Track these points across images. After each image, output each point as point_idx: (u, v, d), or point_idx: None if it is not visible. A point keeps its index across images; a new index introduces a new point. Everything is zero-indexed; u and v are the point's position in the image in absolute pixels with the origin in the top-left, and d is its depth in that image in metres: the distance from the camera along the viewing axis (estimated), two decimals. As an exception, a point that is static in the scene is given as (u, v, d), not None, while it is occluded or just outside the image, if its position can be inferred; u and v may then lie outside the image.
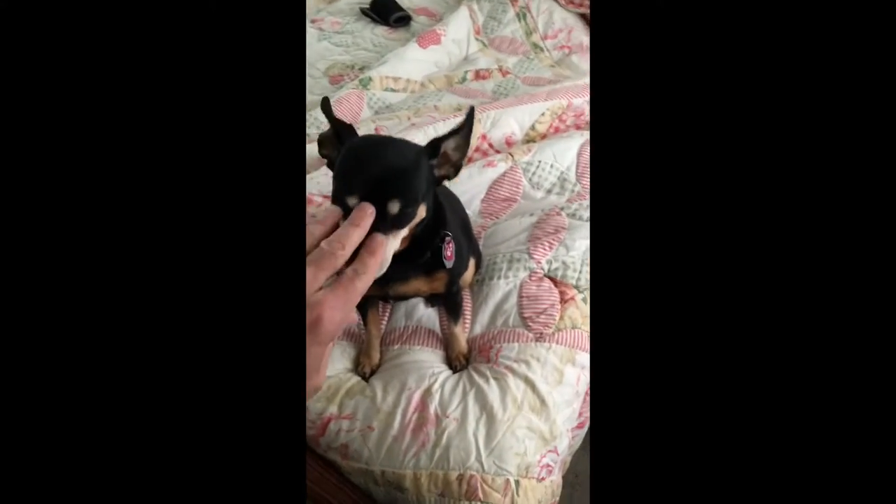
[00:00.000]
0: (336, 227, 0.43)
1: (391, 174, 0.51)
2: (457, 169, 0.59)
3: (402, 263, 0.60)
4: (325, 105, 0.57)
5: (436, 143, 0.56)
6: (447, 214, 0.67)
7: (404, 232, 0.52)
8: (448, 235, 0.66)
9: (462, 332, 0.80)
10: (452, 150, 0.57)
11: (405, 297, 0.80)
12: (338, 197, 0.49)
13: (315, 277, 0.38)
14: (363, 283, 0.40)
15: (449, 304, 0.77)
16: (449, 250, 0.67)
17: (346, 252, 0.40)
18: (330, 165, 0.56)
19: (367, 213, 0.44)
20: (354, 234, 0.42)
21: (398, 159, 0.53)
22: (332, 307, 0.37)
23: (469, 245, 0.81)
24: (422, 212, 0.55)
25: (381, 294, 0.71)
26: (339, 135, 0.55)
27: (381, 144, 0.56)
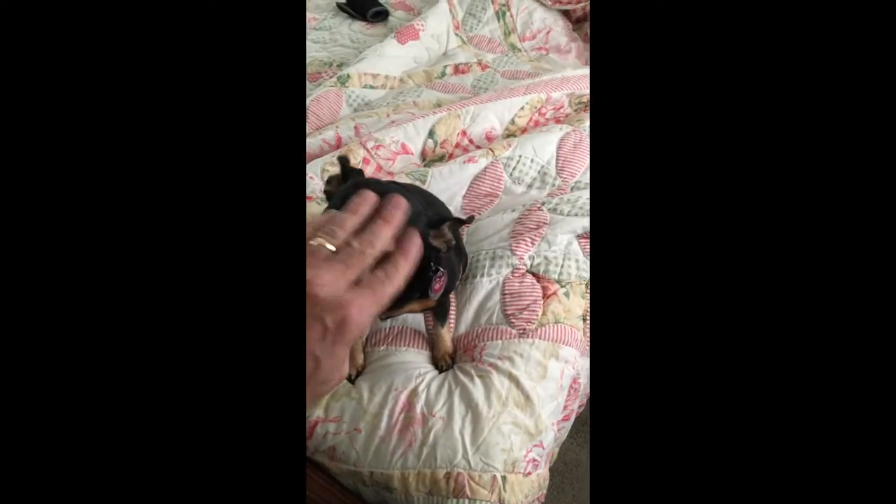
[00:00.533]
0: (369, 217, 0.43)
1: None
2: (447, 247, 0.59)
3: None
4: (343, 159, 0.58)
5: (440, 220, 0.56)
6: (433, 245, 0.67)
7: None
8: (440, 271, 0.66)
9: (448, 333, 0.80)
10: (448, 233, 0.58)
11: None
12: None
13: (343, 276, 0.37)
14: (393, 288, 0.39)
15: (436, 307, 0.78)
16: (439, 283, 0.67)
17: (375, 251, 0.40)
18: (328, 198, 0.59)
19: (401, 209, 0.44)
20: (386, 233, 0.42)
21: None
22: (360, 308, 0.36)
23: (460, 260, 0.82)
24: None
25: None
26: (346, 175, 0.58)
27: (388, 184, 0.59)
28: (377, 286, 0.38)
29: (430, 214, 0.56)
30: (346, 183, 0.57)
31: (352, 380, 0.78)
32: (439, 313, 0.78)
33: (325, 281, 0.37)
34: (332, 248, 0.41)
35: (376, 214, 0.43)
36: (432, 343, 0.81)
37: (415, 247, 0.43)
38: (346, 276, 0.38)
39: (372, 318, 0.38)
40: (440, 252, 0.59)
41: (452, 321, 0.83)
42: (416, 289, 0.65)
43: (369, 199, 0.46)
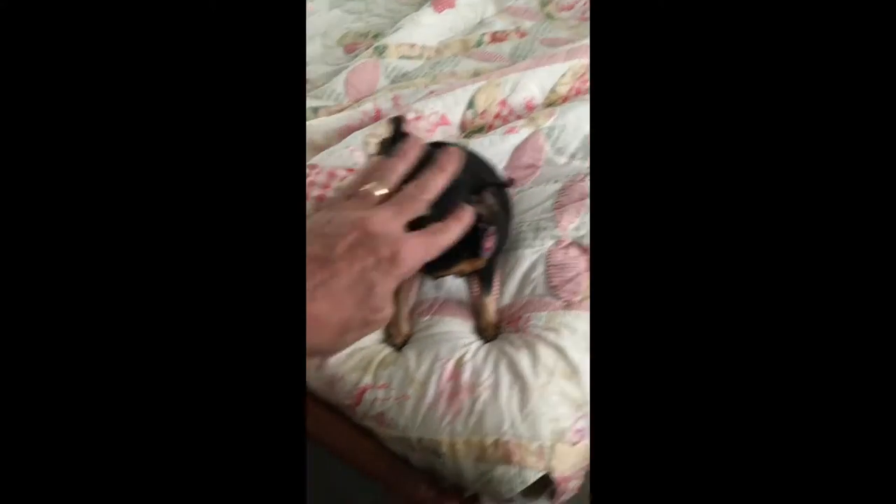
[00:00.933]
0: (418, 163, 0.44)
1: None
2: (490, 212, 0.61)
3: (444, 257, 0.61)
4: (398, 119, 0.59)
5: (480, 186, 0.58)
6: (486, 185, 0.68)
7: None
8: (490, 228, 0.65)
9: (492, 302, 0.80)
10: (489, 198, 0.59)
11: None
12: None
13: (395, 218, 0.39)
14: (445, 241, 0.41)
15: (483, 274, 0.78)
16: (489, 242, 0.67)
17: (428, 198, 0.41)
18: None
19: (454, 157, 0.45)
20: (439, 180, 0.43)
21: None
22: (413, 248, 0.38)
23: (509, 219, 0.82)
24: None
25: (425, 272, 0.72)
26: (396, 138, 0.59)
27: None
28: (430, 235, 0.40)
29: (469, 180, 0.56)
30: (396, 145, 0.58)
31: (398, 348, 0.80)
32: (485, 280, 0.78)
33: (379, 219, 0.38)
34: (385, 191, 0.42)
35: (431, 163, 0.44)
36: (477, 313, 0.81)
37: (467, 215, 0.43)
38: (400, 218, 0.40)
39: (421, 261, 0.39)
40: (492, 210, 0.59)
41: (497, 292, 0.83)
42: (466, 247, 0.64)
43: (417, 144, 0.46)
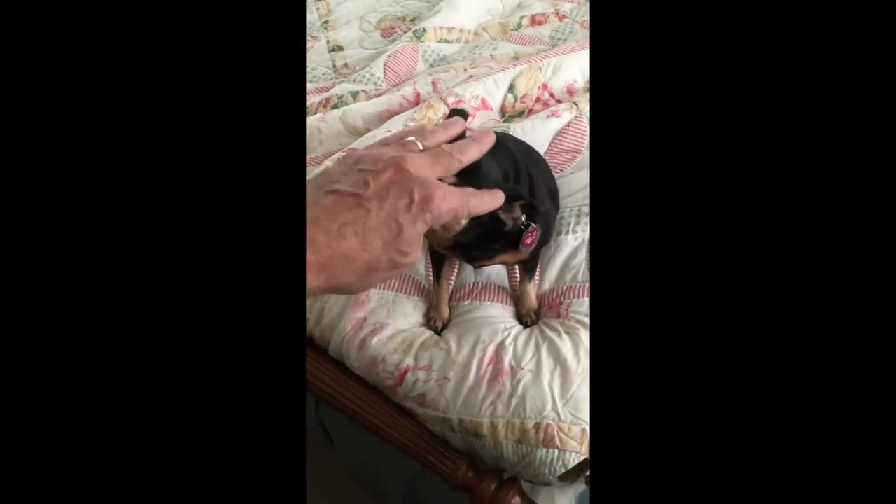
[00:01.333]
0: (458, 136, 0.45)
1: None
2: (514, 223, 0.60)
3: (485, 242, 0.61)
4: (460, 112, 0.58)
5: (514, 196, 0.55)
6: (534, 179, 0.68)
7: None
8: (532, 226, 0.65)
9: (533, 289, 0.80)
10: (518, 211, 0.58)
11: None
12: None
13: (432, 167, 0.40)
14: (475, 205, 0.42)
15: (527, 262, 0.78)
16: (530, 238, 0.66)
17: (463, 161, 0.42)
18: None
19: (489, 136, 0.46)
20: (474, 149, 0.44)
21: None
22: (444, 195, 0.39)
23: (556, 210, 0.82)
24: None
25: (463, 258, 0.73)
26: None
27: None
28: (464, 192, 0.41)
29: (503, 175, 0.56)
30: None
31: (438, 331, 0.80)
32: (529, 267, 0.78)
33: (416, 162, 0.39)
34: (422, 146, 0.43)
35: (469, 137, 0.45)
36: (517, 298, 0.81)
37: (500, 197, 0.44)
38: (435, 168, 0.40)
39: (452, 211, 0.40)
40: (537, 210, 0.59)
41: (538, 278, 0.83)
42: (508, 242, 0.65)
43: (459, 123, 0.47)
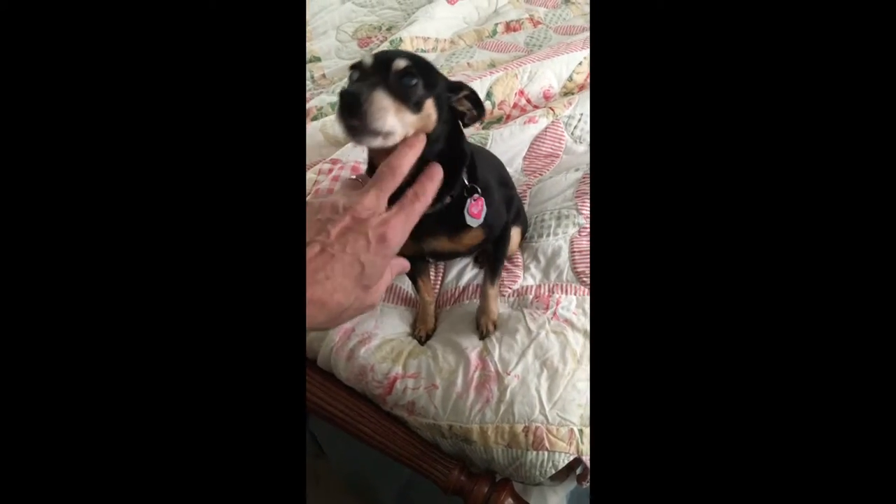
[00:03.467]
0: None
1: (407, 53, 0.55)
2: (474, 119, 0.60)
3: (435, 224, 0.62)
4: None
5: (458, 85, 0.59)
6: (477, 165, 0.66)
7: (409, 124, 0.52)
8: (476, 191, 0.63)
9: (496, 298, 0.79)
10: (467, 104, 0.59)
11: (445, 256, 0.80)
12: (353, 66, 0.55)
13: (378, 198, 0.44)
14: (421, 205, 0.46)
15: (490, 259, 0.76)
16: (476, 207, 0.65)
17: (403, 171, 0.44)
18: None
19: (420, 139, 0.50)
20: (409, 155, 0.47)
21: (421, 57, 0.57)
22: (395, 227, 0.43)
23: (510, 200, 0.79)
24: (430, 110, 0.54)
25: (418, 252, 0.70)
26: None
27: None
28: (408, 205, 0.45)
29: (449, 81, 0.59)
30: None
31: (422, 341, 0.81)
32: (492, 267, 0.77)
33: (364, 205, 0.43)
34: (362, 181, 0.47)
35: (401, 143, 0.50)
36: (480, 306, 0.80)
37: (437, 172, 0.47)
38: (382, 197, 0.44)
39: (406, 234, 0.45)
40: (463, 121, 0.60)
41: (506, 286, 0.83)
42: (453, 213, 0.63)
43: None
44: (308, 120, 1.08)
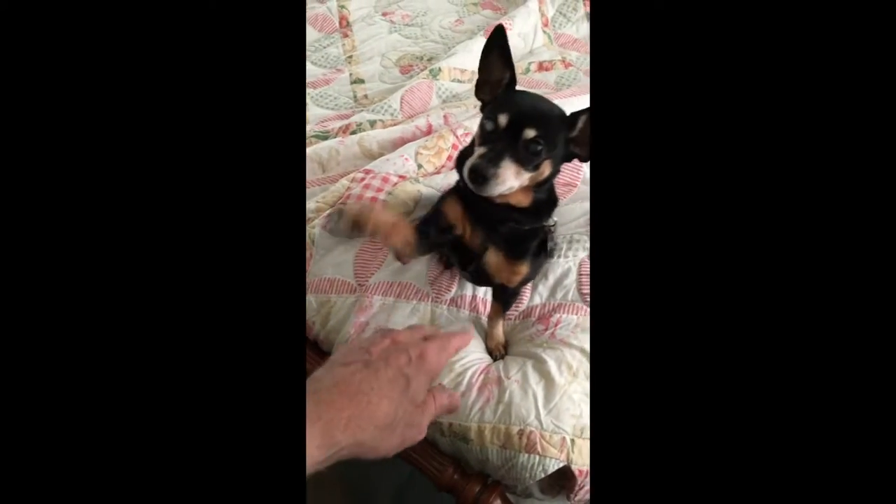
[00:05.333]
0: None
1: (538, 112, 0.64)
2: (586, 158, 0.68)
3: (513, 220, 0.71)
4: (501, 37, 0.67)
5: (574, 116, 0.66)
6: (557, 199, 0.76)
7: (526, 179, 0.63)
8: (553, 225, 0.73)
9: (502, 326, 0.85)
10: (587, 127, 0.66)
11: (482, 279, 0.84)
12: (490, 116, 0.63)
13: (412, 334, 0.49)
14: (455, 345, 0.51)
15: (506, 298, 0.83)
16: (551, 241, 0.76)
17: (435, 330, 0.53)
18: (482, 108, 0.69)
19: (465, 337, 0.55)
20: (449, 345, 0.51)
21: (547, 106, 0.66)
22: (432, 349, 0.47)
23: (543, 262, 0.87)
24: (546, 168, 0.65)
25: (479, 248, 0.75)
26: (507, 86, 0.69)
27: (538, 96, 0.69)
28: (446, 342, 0.50)
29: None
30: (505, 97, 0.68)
31: (501, 356, 0.85)
32: (506, 302, 0.83)
33: (402, 334, 0.48)
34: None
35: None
36: (487, 332, 0.86)
37: (466, 341, 0.54)
38: (415, 336, 0.49)
39: (444, 363, 0.49)
40: (579, 158, 0.68)
41: (511, 313, 0.88)
42: (535, 215, 0.72)
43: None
44: (347, 133, 1.16)
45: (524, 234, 0.73)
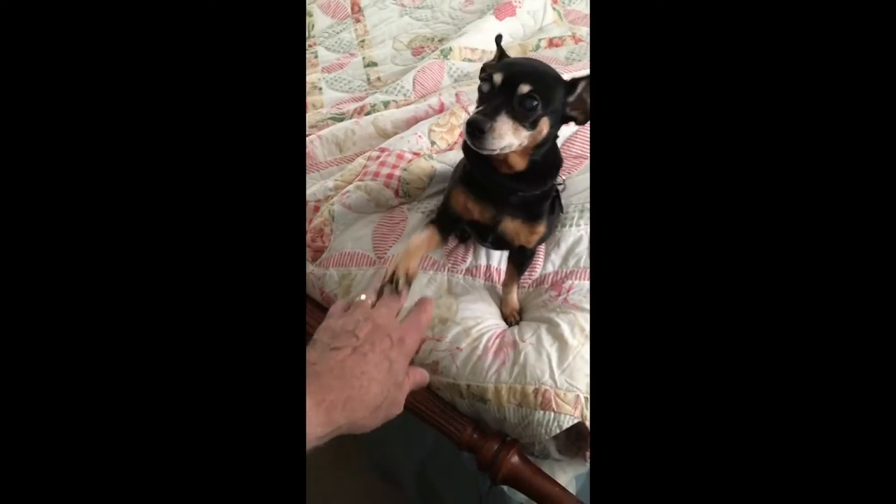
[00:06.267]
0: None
1: (532, 70, 0.66)
2: (586, 116, 0.70)
3: (519, 189, 0.73)
4: (498, 37, 0.74)
5: (574, 82, 0.68)
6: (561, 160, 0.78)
7: (524, 137, 0.64)
8: (563, 185, 0.76)
9: (516, 292, 0.88)
10: (586, 94, 0.68)
11: (502, 244, 0.87)
12: (485, 78, 0.65)
13: (390, 312, 0.55)
14: (426, 319, 0.56)
15: (522, 261, 0.86)
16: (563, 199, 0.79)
17: (405, 296, 0.58)
18: (483, 78, 0.71)
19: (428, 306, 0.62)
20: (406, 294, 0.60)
21: (542, 67, 0.68)
22: (410, 332, 0.53)
23: (557, 219, 0.90)
24: (544, 127, 0.66)
25: (492, 221, 0.78)
26: (501, 55, 0.74)
27: (535, 59, 0.71)
28: (415, 319, 0.55)
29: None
30: (499, 62, 0.71)
31: (516, 322, 0.88)
32: (520, 266, 0.86)
33: (380, 315, 0.52)
34: (372, 299, 0.59)
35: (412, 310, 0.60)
36: (502, 299, 0.89)
37: (430, 303, 0.59)
38: (392, 312, 0.54)
39: (419, 342, 0.55)
40: (576, 121, 0.71)
41: (526, 277, 0.91)
42: (538, 180, 0.74)
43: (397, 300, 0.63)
44: (361, 114, 1.20)
45: (535, 198, 0.75)
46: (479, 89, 0.68)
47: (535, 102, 0.63)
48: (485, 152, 0.64)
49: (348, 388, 0.45)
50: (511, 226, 0.78)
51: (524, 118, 0.64)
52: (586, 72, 0.69)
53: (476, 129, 0.62)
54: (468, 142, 0.64)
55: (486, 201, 0.76)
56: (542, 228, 0.79)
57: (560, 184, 0.78)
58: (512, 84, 0.63)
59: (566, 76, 0.70)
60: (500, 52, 0.73)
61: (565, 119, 0.70)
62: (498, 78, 0.64)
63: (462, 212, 0.79)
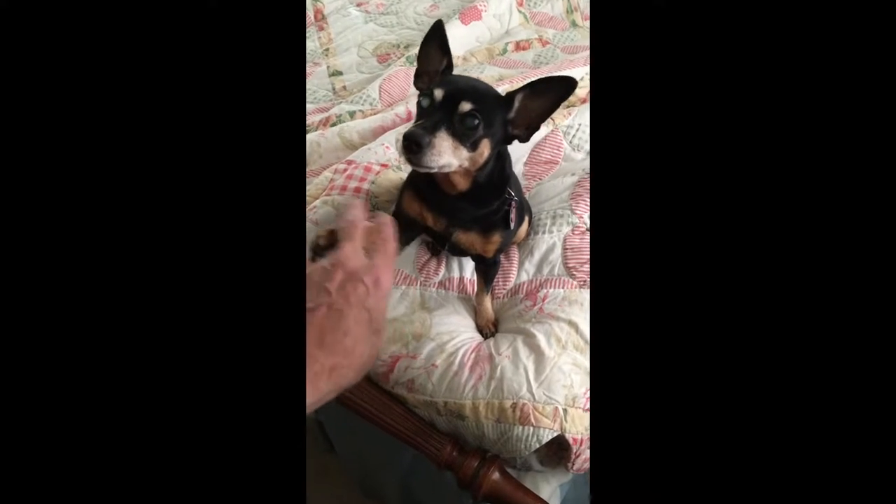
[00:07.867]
0: None
1: (474, 89, 0.63)
2: (530, 132, 0.67)
3: (466, 208, 0.70)
4: (439, 30, 0.68)
5: (510, 96, 0.65)
6: (511, 174, 0.75)
7: (465, 159, 0.62)
8: (515, 199, 0.73)
9: (489, 302, 0.87)
10: (532, 109, 0.65)
11: (459, 252, 0.87)
12: (426, 93, 0.62)
13: (355, 249, 0.48)
14: (393, 248, 0.49)
15: (486, 270, 0.84)
16: (513, 213, 0.75)
17: (361, 220, 0.50)
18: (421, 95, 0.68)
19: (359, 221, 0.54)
20: (360, 208, 0.51)
21: (483, 86, 0.65)
22: (383, 270, 0.47)
23: (524, 212, 0.88)
24: (485, 149, 0.64)
25: (445, 232, 0.77)
26: (443, 72, 0.69)
27: (474, 78, 0.69)
28: (383, 251, 0.48)
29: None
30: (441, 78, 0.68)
31: (492, 334, 0.86)
32: (487, 277, 0.84)
33: (349, 257, 0.46)
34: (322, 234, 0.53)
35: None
36: (476, 311, 0.88)
37: (388, 227, 0.51)
38: (357, 248, 0.48)
39: (392, 276, 0.48)
40: (519, 139, 0.68)
41: (498, 290, 0.90)
42: (485, 198, 0.72)
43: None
44: (327, 126, 1.17)
45: (484, 214, 0.73)
46: (418, 104, 0.64)
47: (477, 122, 0.60)
48: (422, 170, 0.61)
49: (332, 356, 0.41)
50: (465, 237, 0.76)
51: (465, 137, 0.61)
52: (533, 79, 0.67)
53: (413, 143, 0.58)
54: (404, 157, 0.61)
55: (439, 213, 0.74)
56: (497, 238, 0.77)
57: (512, 196, 0.75)
58: (453, 101, 0.60)
59: (537, 78, 0.68)
60: (449, 62, 0.69)
61: (508, 139, 0.67)
62: (439, 94, 0.61)
63: (417, 217, 0.76)
